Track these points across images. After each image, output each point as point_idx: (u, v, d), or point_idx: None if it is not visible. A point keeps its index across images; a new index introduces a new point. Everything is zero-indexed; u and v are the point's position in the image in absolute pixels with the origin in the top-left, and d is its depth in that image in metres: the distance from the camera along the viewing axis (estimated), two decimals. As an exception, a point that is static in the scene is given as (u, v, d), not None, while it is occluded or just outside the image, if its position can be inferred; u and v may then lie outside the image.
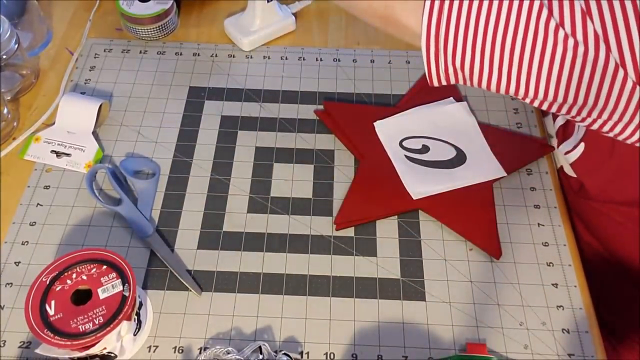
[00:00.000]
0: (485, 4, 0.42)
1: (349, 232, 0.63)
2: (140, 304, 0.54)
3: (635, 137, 0.44)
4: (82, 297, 0.50)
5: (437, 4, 0.44)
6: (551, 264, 0.60)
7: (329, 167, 0.68)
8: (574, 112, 0.44)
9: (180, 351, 0.55)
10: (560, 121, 0.68)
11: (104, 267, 0.51)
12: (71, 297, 0.50)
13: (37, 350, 0.49)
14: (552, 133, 0.70)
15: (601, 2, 0.39)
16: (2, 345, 0.55)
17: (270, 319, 0.57)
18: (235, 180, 0.66)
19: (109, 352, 0.51)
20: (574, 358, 0.55)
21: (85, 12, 0.84)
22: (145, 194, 0.65)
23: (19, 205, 0.64)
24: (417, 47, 0.47)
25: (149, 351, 0.55)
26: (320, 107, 0.73)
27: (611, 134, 0.45)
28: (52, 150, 0.67)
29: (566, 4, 0.40)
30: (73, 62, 0.78)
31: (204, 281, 0.59)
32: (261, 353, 0.53)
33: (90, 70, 0.77)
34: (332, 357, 0.55)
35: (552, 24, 0.40)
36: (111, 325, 0.48)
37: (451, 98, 0.73)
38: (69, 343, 0.47)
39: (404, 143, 0.69)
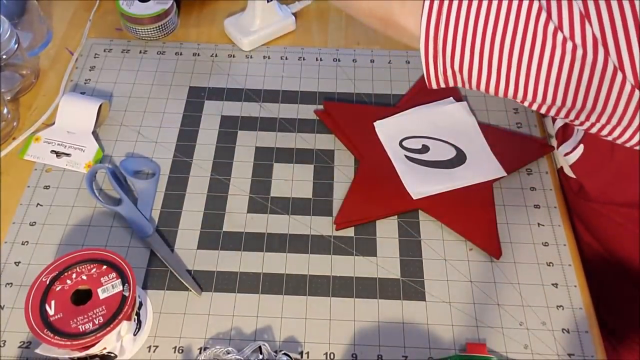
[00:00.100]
0: (484, 7, 0.42)
1: (349, 232, 0.63)
2: (140, 304, 0.54)
3: (634, 141, 0.44)
4: (82, 297, 0.50)
5: (435, 6, 0.44)
6: (551, 264, 0.60)
7: (329, 167, 0.68)
8: (572, 115, 0.44)
9: (180, 351, 0.55)
10: (559, 123, 0.68)
11: (104, 267, 0.51)
12: (71, 297, 0.50)
13: (37, 350, 0.49)
14: (552, 133, 0.70)
15: (600, 5, 0.39)
16: (2, 345, 0.55)
17: (270, 319, 0.57)
18: (235, 180, 0.66)
19: (109, 352, 0.51)
20: (574, 358, 0.55)
21: (85, 12, 0.84)
22: (145, 194, 0.65)
23: (19, 205, 0.64)
24: (416, 48, 0.47)
25: (149, 351, 0.55)
26: (320, 107, 0.73)
27: (610, 138, 0.45)
28: (52, 150, 0.67)
29: (565, 7, 0.40)
30: (73, 62, 0.78)
31: (204, 281, 0.59)
32: (261, 353, 0.53)
33: (90, 70, 0.77)
34: (332, 357, 0.55)
35: (551, 27, 0.40)
36: (111, 325, 0.48)
37: (451, 98, 0.73)
38: (69, 343, 0.47)
39: (404, 143, 0.69)
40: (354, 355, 0.55)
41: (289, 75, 0.77)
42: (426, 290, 0.59)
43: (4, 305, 0.57)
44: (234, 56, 0.79)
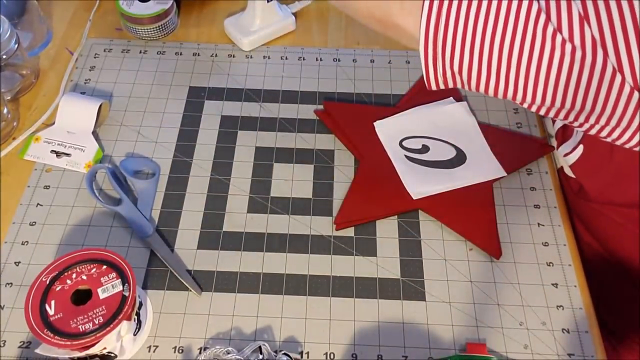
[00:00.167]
0: (484, 8, 0.42)
1: (349, 232, 0.63)
2: (140, 304, 0.54)
3: (633, 142, 0.44)
4: (82, 297, 0.50)
5: (435, 7, 0.44)
6: (551, 264, 0.60)
7: (329, 167, 0.68)
8: (571, 117, 0.44)
9: (180, 351, 0.55)
10: (559, 123, 0.68)
11: (104, 267, 0.51)
12: (71, 297, 0.50)
13: (37, 350, 0.49)
14: (552, 133, 0.70)
15: (599, 7, 0.39)
16: (2, 345, 0.55)
17: (270, 319, 0.57)
18: (235, 180, 0.66)
19: (109, 352, 0.51)
20: (574, 358, 0.55)
21: (85, 12, 0.84)
22: (145, 194, 0.65)
23: (19, 205, 0.64)
24: (415, 49, 0.47)
25: (149, 351, 0.55)
26: (320, 107, 0.73)
27: (609, 139, 0.45)
28: (52, 150, 0.67)
29: (564, 9, 0.40)
30: (73, 62, 0.78)
31: (204, 281, 0.59)
32: (261, 353, 0.53)
33: (90, 70, 0.77)
34: (332, 357, 0.55)
35: (550, 29, 0.40)
36: (111, 325, 0.48)
37: (451, 98, 0.73)
38: (69, 343, 0.47)
39: (404, 143, 0.69)
40: (354, 355, 0.55)
41: (289, 75, 0.77)
42: (426, 290, 0.59)
43: (4, 305, 0.57)
44: (234, 56, 0.79)
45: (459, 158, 0.67)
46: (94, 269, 0.51)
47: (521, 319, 0.57)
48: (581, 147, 0.62)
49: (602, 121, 0.43)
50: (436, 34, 0.44)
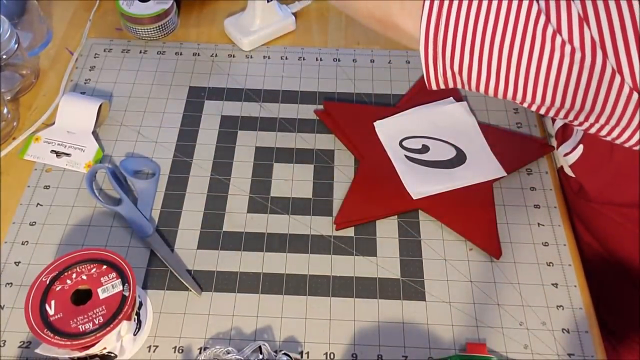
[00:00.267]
0: (484, 9, 0.42)
1: (349, 232, 0.63)
2: (140, 304, 0.54)
3: (632, 141, 0.44)
4: (82, 297, 0.50)
5: (435, 8, 0.44)
6: (551, 264, 0.60)
7: (329, 167, 0.68)
8: (571, 116, 0.45)
9: (180, 351, 0.55)
10: (559, 123, 0.68)
11: (104, 267, 0.51)
12: (71, 297, 0.50)
13: (37, 350, 0.49)
14: (552, 133, 0.70)
15: (598, 9, 0.39)
16: (2, 345, 0.55)
17: (270, 319, 0.57)
18: (235, 180, 0.66)
19: (109, 352, 0.51)
20: (574, 358, 0.55)
21: (85, 12, 0.84)
22: (145, 194, 0.65)
23: (19, 205, 0.64)
24: (415, 49, 0.47)
25: (149, 351, 0.55)
26: (320, 107, 0.73)
27: (609, 138, 0.45)
28: (52, 150, 0.67)
29: (564, 10, 0.40)
30: (73, 62, 0.78)
31: (204, 281, 0.59)
32: (261, 353, 0.53)
33: (90, 70, 0.77)
34: (332, 357, 0.55)
35: (550, 30, 0.41)
36: (111, 325, 0.48)
37: (451, 98, 0.73)
38: (69, 343, 0.47)
39: (404, 143, 0.69)
40: (354, 355, 0.55)
41: (289, 75, 0.77)
42: (426, 290, 0.59)
43: (4, 305, 0.57)
44: (234, 56, 0.79)
45: (459, 158, 0.67)
46: (94, 269, 0.51)
47: (521, 319, 0.57)
48: (581, 146, 0.63)
49: (602, 120, 0.43)
50: (436, 35, 0.44)
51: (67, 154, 0.67)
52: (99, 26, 0.82)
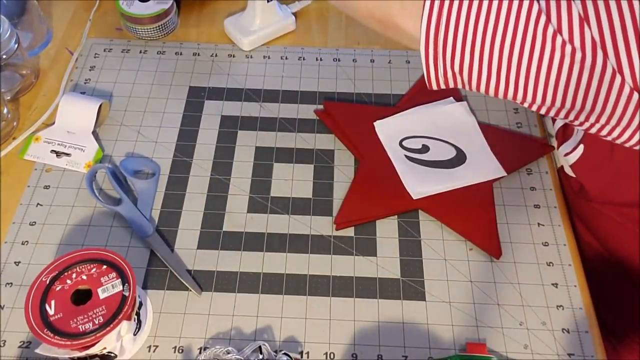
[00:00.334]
0: (484, 9, 0.42)
1: (349, 232, 0.63)
2: (140, 304, 0.54)
3: (633, 141, 0.44)
4: (82, 297, 0.50)
5: (436, 8, 0.44)
6: (551, 264, 0.60)
7: (329, 167, 0.68)
8: (571, 116, 0.45)
9: (180, 351, 0.55)
10: (559, 123, 0.68)
11: (104, 267, 0.51)
12: (71, 297, 0.50)
13: (37, 350, 0.49)
14: (552, 133, 0.70)
15: (599, 9, 0.39)
16: (2, 345, 0.55)
17: (270, 318, 0.57)
18: (235, 180, 0.66)
19: (109, 352, 0.51)
20: (574, 358, 0.55)
21: (85, 12, 0.84)
22: (145, 194, 0.65)
23: (19, 205, 0.64)
24: (415, 49, 0.47)
25: (149, 351, 0.55)
26: (320, 107, 0.73)
27: (609, 138, 0.45)
28: (52, 150, 0.67)
29: (564, 10, 0.40)
30: (73, 62, 0.78)
31: (204, 281, 0.59)
32: (261, 353, 0.53)
33: (90, 70, 0.77)
34: (332, 357, 0.55)
35: (550, 30, 0.41)
36: (111, 325, 0.48)
37: (451, 98, 0.73)
38: (69, 343, 0.47)
39: (404, 143, 0.69)
40: (354, 355, 0.55)
41: (289, 75, 0.77)
42: (426, 290, 0.59)
43: (4, 305, 0.57)
44: (234, 56, 0.79)
45: (459, 158, 0.67)
46: (94, 269, 0.51)
47: (521, 319, 0.57)
48: (581, 146, 0.63)
49: (602, 120, 0.43)
50: (437, 35, 0.44)
51: (67, 154, 0.67)
52: (99, 26, 0.82)
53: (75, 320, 0.48)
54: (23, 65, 0.74)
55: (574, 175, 0.65)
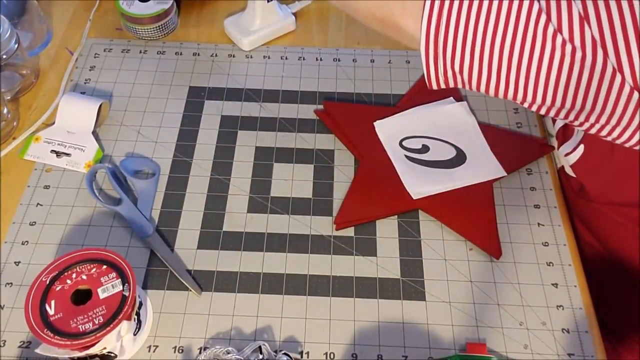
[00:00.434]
0: (484, 9, 0.42)
1: (349, 232, 0.63)
2: (140, 304, 0.54)
3: (633, 141, 0.44)
4: (82, 297, 0.50)
5: (436, 8, 0.44)
6: (551, 264, 0.60)
7: (329, 167, 0.68)
8: (572, 116, 0.45)
9: (180, 351, 0.55)
10: (560, 123, 0.68)
11: (104, 267, 0.51)
12: (71, 297, 0.50)
13: (37, 350, 0.49)
14: (552, 133, 0.70)
15: (599, 8, 0.39)
16: (2, 345, 0.55)
17: (270, 318, 0.57)
18: (235, 180, 0.66)
19: (109, 352, 0.51)
20: (574, 358, 0.55)
21: (85, 12, 0.84)
22: (145, 194, 0.65)
23: (19, 205, 0.64)
24: (416, 49, 0.47)
25: (149, 351, 0.55)
26: (320, 107, 0.73)
27: (609, 138, 0.45)
28: (52, 150, 0.67)
29: (564, 9, 0.40)
30: (73, 62, 0.78)
31: (204, 281, 0.59)
32: (261, 353, 0.53)
33: (90, 70, 0.77)
34: (332, 357, 0.55)
35: (550, 30, 0.41)
36: (111, 325, 0.48)
37: (451, 98, 0.73)
38: (69, 343, 0.47)
39: (404, 143, 0.69)
40: (354, 355, 0.55)
41: (289, 75, 0.77)
42: (426, 290, 0.59)
43: (4, 305, 0.57)
44: (234, 56, 0.79)
45: (459, 158, 0.67)
46: (94, 269, 0.51)
47: (521, 319, 0.57)
48: (582, 146, 0.63)
49: (602, 120, 0.43)
50: (437, 34, 0.44)
51: (67, 154, 0.67)
52: (99, 26, 0.82)
53: (75, 320, 0.48)
54: (23, 65, 0.74)
55: (574, 175, 0.65)
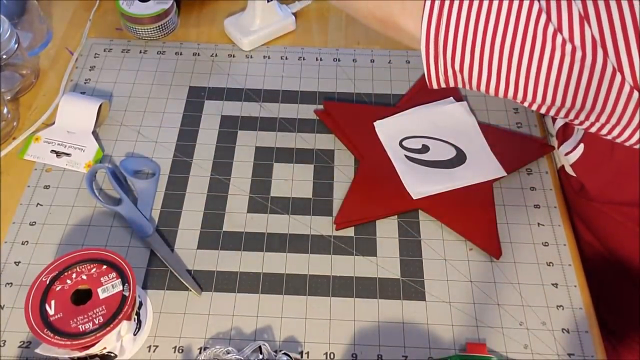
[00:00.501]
0: (484, 8, 0.43)
1: (349, 232, 0.63)
2: (140, 304, 0.54)
3: (633, 140, 0.44)
4: (82, 297, 0.50)
5: (436, 7, 0.44)
6: (551, 264, 0.60)
7: (329, 167, 0.68)
8: (572, 115, 0.45)
9: (180, 351, 0.55)
10: (560, 122, 0.68)
11: (104, 267, 0.51)
12: (71, 297, 0.50)
13: (37, 350, 0.49)
14: (552, 132, 0.70)
15: (599, 7, 0.39)
16: (2, 345, 0.55)
17: (270, 318, 0.57)
18: (235, 180, 0.66)
19: (109, 352, 0.51)
20: (574, 358, 0.55)
21: (85, 12, 0.84)
22: (145, 194, 0.65)
23: (19, 205, 0.64)
24: (416, 49, 0.47)
25: (149, 351, 0.55)
26: (320, 107, 0.73)
27: (609, 137, 0.45)
28: (52, 150, 0.67)
29: (564, 9, 0.40)
30: (73, 62, 0.78)
31: (204, 281, 0.59)
32: (261, 353, 0.53)
33: (90, 70, 0.77)
34: (332, 357, 0.55)
35: (551, 29, 0.41)
36: (111, 325, 0.48)
37: (451, 98, 0.73)
38: (69, 343, 0.47)
39: (404, 143, 0.69)
40: (354, 355, 0.55)
41: (289, 75, 0.77)
42: (426, 290, 0.59)
43: (4, 305, 0.57)
44: (234, 56, 0.79)
45: (459, 158, 0.67)
46: (94, 269, 0.51)
47: (521, 319, 0.57)
48: (582, 145, 0.63)
49: (602, 119, 0.43)
50: (437, 34, 0.44)
51: (67, 154, 0.67)
52: (99, 26, 0.82)
53: (75, 320, 0.48)
54: (23, 65, 0.74)
55: (574, 175, 0.65)
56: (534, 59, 0.42)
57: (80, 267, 0.51)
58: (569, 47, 0.40)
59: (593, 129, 0.45)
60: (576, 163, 0.64)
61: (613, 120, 0.43)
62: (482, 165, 0.67)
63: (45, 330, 0.48)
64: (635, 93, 0.40)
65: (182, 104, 0.73)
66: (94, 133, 0.69)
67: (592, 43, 0.40)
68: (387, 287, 0.59)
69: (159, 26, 0.79)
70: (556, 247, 0.62)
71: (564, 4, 0.40)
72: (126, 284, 0.50)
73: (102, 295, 0.50)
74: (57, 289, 0.50)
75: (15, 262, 0.60)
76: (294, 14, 0.82)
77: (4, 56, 0.68)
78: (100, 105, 0.69)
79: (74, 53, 0.79)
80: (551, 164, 0.69)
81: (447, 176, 0.66)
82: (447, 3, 0.44)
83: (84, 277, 0.51)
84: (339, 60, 0.79)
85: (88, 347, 0.49)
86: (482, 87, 0.46)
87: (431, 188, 0.65)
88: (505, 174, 0.66)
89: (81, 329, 0.48)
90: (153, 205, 0.64)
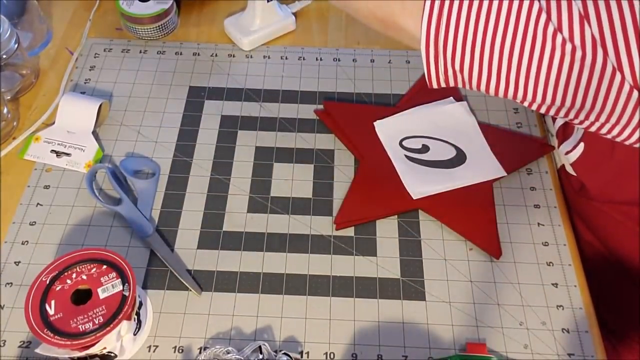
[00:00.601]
0: (484, 8, 0.43)
1: (349, 231, 0.63)
2: (140, 304, 0.54)
3: (633, 138, 0.44)
4: (82, 296, 0.50)
5: (436, 7, 0.44)
6: (551, 264, 0.60)
7: (329, 167, 0.68)
8: (572, 115, 0.45)
9: (180, 351, 0.55)
10: (560, 122, 0.68)
11: (104, 266, 0.51)
12: (71, 297, 0.50)
13: (37, 350, 0.49)
14: (552, 132, 0.70)
15: (599, 7, 0.39)
16: (2, 345, 0.55)
17: (270, 318, 0.57)
18: (235, 180, 0.66)
19: (109, 352, 0.51)
20: (574, 358, 0.55)
21: (85, 12, 0.84)
22: (145, 194, 0.65)
23: (19, 205, 0.64)
24: (416, 49, 0.47)
25: (149, 351, 0.55)
26: (320, 106, 0.73)
27: (609, 136, 0.45)
28: (52, 150, 0.67)
29: (564, 9, 0.40)
30: (73, 62, 0.78)
31: (204, 281, 0.59)
32: (261, 353, 0.53)
33: (90, 70, 0.77)
34: (332, 356, 0.55)
35: (551, 29, 0.41)
36: (111, 325, 0.48)
37: (451, 98, 0.73)
38: (69, 343, 0.47)
39: (404, 143, 0.69)
40: (354, 355, 0.55)
41: (289, 75, 0.77)
42: (426, 290, 0.59)
43: (4, 305, 0.57)
44: (234, 56, 0.79)
45: (459, 158, 0.67)
46: (94, 269, 0.51)
47: (521, 318, 0.57)
48: (582, 145, 0.63)
49: (602, 119, 0.43)
50: (437, 34, 0.44)
51: (67, 154, 0.67)
52: (99, 26, 0.82)
53: (75, 320, 0.48)
54: (23, 65, 0.74)
55: (574, 174, 0.65)
56: (534, 59, 0.42)
57: (80, 267, 0.51)
58: (569, 46, 0.40)
59: (593, 128, 0.45)
60: (576, 162, 0.64)
61: (613, 120, 0.43)
62: (482, 165, 0.67)
63: (45, 330, 0.48)
64: (635, 92, 0.40)
65: (182, 103, 0.73)
66: (94, 133, 0.69)
67: (592, 42, 0.40)
68: (387, 287, 0.59)
69: (159, 26, 0.79)
70: (556, 247, 0.62)
71: (564, 4, 0.40)
72: (126, 284, 0.50)
73: (102, 295, 0.50)
74: (57, 288, 0.50)
75: (15, 262, 0.60)
76: (294, 14, 0.82)
77: (4, 56, 0.68)
78: (100, 105, 0.69)
79: (74, 53, 0.79)
80: (551, 163, 0.69)
81: (447, 176, 0.66)
82: (447, 3, 0.44)
83: (84, 277, 0.51)
84: (339, 60, 0.79)
85: (88, 347, 0.49)
86: (482, 87, 0.46)
87: (431, 188, 0.65)
88: (505, 174, 0.66)
89: (81, 329, 0.48)
90: (153, 205, 0.64)
